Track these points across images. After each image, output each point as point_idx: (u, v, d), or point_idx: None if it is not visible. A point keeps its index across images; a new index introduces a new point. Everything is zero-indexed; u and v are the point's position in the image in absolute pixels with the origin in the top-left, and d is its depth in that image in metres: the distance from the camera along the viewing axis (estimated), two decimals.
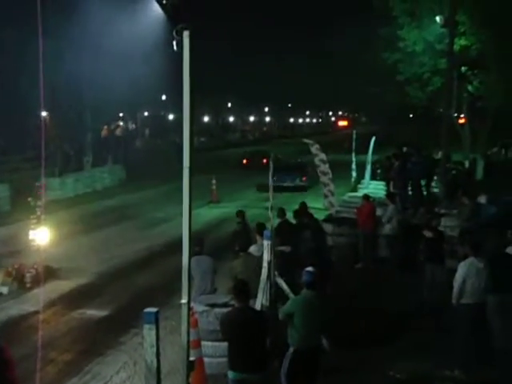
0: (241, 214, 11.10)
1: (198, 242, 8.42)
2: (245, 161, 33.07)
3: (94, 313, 9.91)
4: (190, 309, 4.78)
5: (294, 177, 24.40)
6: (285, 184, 22.89)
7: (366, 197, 13.37)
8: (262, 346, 5.75)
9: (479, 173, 21.15)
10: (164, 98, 53.04)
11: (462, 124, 22.87)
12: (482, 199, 12.29)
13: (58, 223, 13.58)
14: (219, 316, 7.22)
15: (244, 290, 5.85)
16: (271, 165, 8.16)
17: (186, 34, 4.42)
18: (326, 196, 15.14)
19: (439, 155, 18.58)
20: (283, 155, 28.16)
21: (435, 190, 18.32)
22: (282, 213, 10.22)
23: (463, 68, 19.95)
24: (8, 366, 4.47)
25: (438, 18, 18.07)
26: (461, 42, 19.21)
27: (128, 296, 10.70)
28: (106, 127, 32.78)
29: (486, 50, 18.59)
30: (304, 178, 24.39)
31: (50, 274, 11.56)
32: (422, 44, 20.13)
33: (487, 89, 19.23)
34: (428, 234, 9.55)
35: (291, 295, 7.24)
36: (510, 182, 17.39)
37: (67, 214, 18.06)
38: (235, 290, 5.91)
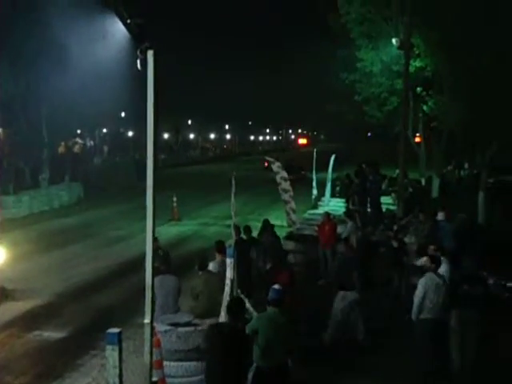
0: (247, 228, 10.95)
1: (164, 260, 8.35)
2: (266, 164, 38.10)
3: (51, 334, 9.63)
4: (152, 328, 4.73)
5: None
6: None
7: (327, 214, 13.56)
8: (239, 364, 5.71)
9: (435, 191, 21.72)
10: (123, 114, 52.54)
11: (418, 143, 23.48)
12: (440, 216, 12.63)
13: (13, 242, 13.23)
14: (182, 335, 7.16)
15: (235, 307, 5.88)
16: (233, 183, 8.17)
17: (150, 53, 4.45)
18: (287, 213, 15.27)
19: (396, 173, 19.04)
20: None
21: (392, 208, 18.74)
22: (237, 230, 10.15)
23: (418, 89, 20.54)
24: None
25: (394, 41, 18.62)
26: (416, 63, 19.81)
27: (86, 316, 10.46)
28: (63, 144, 32.19)
29: (440, 71, 19.22)
30: None
31: (4, 295, 11.20)
32: (378, 65, 20.65)
33: (441, 109, 19.83)
34: (395, 243, 9.90)
35: (254, 313, 7.23)
36: (464, 200, 17.97)
37: (23, 233, 17.59)
38: (229, 307, 5.94)
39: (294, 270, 8.35)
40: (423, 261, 7.84)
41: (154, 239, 9.02)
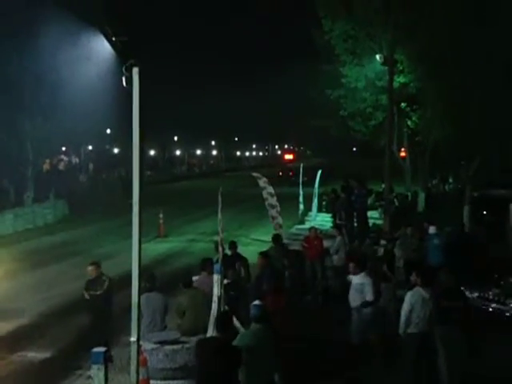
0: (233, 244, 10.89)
1: (149, 278, 8.27)
2: (280, 173, 43.45)
3: (35, 355, 9.45)
4: (139, 347, 4.67)
5: None
6: None
7: (314, 229, 13.59)
8: (230, 378, 5.64)
9: (420, 205, 21.89)
10: (109, 131, 52.39)
11: (403, 157, 23.70)
12: (432, 230, 12.70)
13: None
14: (169, 353, 7.08)
15: (225, 321, 5.86)
16: (220, 199, 8.14)
17: (135, 70, 4.46)
18: (274, 229, 15.25)
19: (382, 188, 19.14)
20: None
21: (378, 222, 18.84)
22: (216, 246, 9.68)
23: (403, 104, 20.80)
24: None
25: (377, 57, 18.88)
26: (400, 79, 20.08)
27: (71, 336, 10.29)
28: (47, 161, 32.00)
29: (423, 87, 19.49)
30: None
31: None
32: (363, 81, 20.88)
33: (425, 124, 20.08)
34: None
35: (241, 330, 7.17)
36: (449, 214, 18.11)
37: (6, 252, 17.37)
38: (218, 321, 5.92)
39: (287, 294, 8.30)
40: (411, 276, 7.85)
41: (96, 264, 9.01)
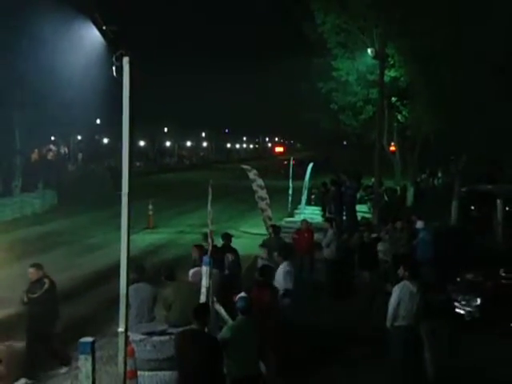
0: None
1: (138, 269, 8.25)
2: (285, 162, 42.82)
3: (22, 345, 9.41)
4: (127, 337, 4.67)
5: None
6: None
7: (306, 222, 13.62)
8: (212, 373, 5.66)
9: (409, 199, 22.01)
10: (98, 121, 52.06)
11: (393, 151, 23.78)
12: (419, 224, 12.78)
13: None
14: (156, 345, 7.08)
15: (202, 312, 5.87)
16: (210, 191, 8.13)
17: (125, 60, 4.43)
18: (264, 222, 15.27)
19: (371, 182, 19.20)
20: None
21: (367, 216, 18.91)
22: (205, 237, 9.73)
23: (393, 98, 20.85)
24: None
25: (369, 51, 18.88)
26: (390, 73, 20.11)
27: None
28: (36, 151, 31.75)
29: (413, 81, 19.55)
30: None
31: None
32: (354, 74, 20.90)
33: (415, 118, 20.15)
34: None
35: (230, 321, 7.20)
36: (438, 208, 18.23)
37: None
38: (195, 312, 5.87)
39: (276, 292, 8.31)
40: (399, 270, 7.90)
41: (37, 266, 8.63)
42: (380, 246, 11.80)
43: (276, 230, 12.17)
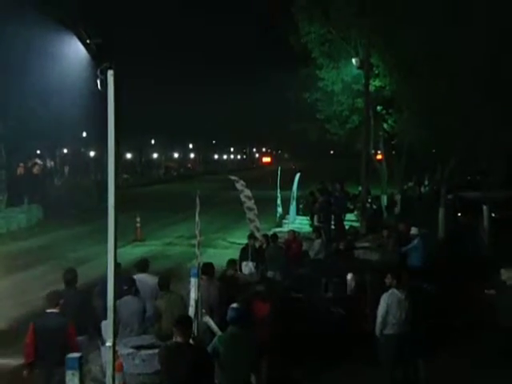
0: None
1: (128, 281, 8.19)
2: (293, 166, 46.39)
3: (8, 362, 9.28)
4: (115, 352, 4.62)
5: None
6: None
7: (292, 232, 13.65)
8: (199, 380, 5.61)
9: (397, 207, 22.09)
10: (84, 134, 51.84)
11: (379, 160, 23.92)
12: (414, 231, 12.84)
13: None
14: (145, 358, 7.02)
15: (185, 324, 5.81)
16: (198, 202, 8.12)
17: (110, 73, 4.42)
18: (251, 232, 15.26)
19: (358, 190, 19.28)
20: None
21: (355, 225, 18.97)
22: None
23: (379, 107, 20.99)
24: None
25: (354, 61, 19.03)
26: (375, 82, 20.27)
27: None
28: (22, 165, 31.47)
29: (398, 90, 19.72)
30: None
31: None
32: (339, 84, 21.02)
33: (400, 127, 20.30)
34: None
35: (219, 333, 7.16)
36: (425, 216, 18.33)
37: None
38: (178, 324, 5.81)
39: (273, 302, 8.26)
40: (386, 278, 7.92)
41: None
42: (367, 255, 11.85)
43: (273, 238, 12.34)
